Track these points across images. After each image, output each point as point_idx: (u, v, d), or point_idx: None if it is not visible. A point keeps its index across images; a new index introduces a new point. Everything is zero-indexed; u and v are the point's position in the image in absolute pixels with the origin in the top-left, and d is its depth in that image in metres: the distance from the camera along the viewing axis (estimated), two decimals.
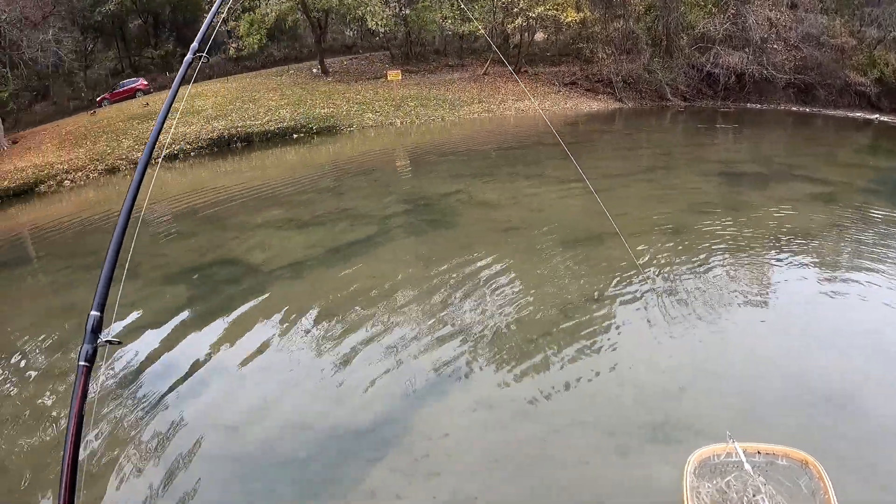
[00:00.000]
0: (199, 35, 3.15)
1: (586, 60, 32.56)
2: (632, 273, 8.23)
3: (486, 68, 33.24)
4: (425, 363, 6.47)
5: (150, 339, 7.67)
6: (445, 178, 15.38)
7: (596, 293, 7.77)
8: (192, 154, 24.37)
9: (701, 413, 5.38)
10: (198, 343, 7.45)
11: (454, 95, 29.78)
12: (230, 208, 14.32)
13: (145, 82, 34.56)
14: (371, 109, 28.03)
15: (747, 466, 3.09)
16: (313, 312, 7.91)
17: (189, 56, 3.08)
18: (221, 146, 25.18)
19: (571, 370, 6.17)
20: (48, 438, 5.84)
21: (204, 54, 3.06)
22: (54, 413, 6.28)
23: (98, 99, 33.17)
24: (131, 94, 33.67)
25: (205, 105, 28.77)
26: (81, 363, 2.17)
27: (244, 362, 6.85)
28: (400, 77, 29.71)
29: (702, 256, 8.83)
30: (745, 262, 8.68)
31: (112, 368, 6.96)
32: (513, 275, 8.57)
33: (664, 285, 7.88)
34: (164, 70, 37.48)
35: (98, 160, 23.54)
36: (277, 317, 7.91)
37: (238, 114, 27.43)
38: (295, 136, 25.92)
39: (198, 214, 14.12)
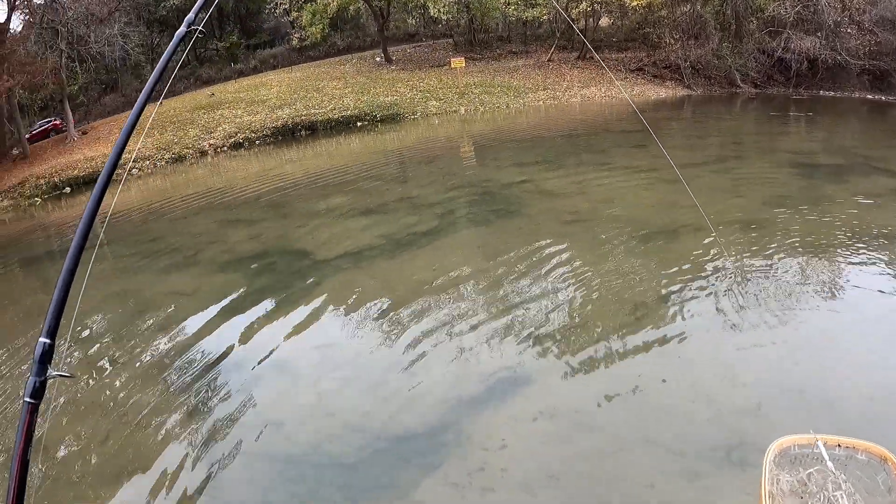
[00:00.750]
0: (195, 7, 2.76)
1: (653, 46, 31.39)
2: (709, 271, 7.59)
3: (551, 55, 32.46)
4: (486, 365, 6.06)
5: (202, 331, 7.54)
6: (510, 166, 14.91)
7: (668, 292, 7.19)
8: (256, 142, 24.55)
9: (780, 435, 4.84)
10: (250, 335, 7.29)
11: (518, 82, 29.16)
12: (294, 195, 14.26)
13: (57, 122, 32.30)
14: (435, 97, 27.69)
15: (827, 459, 3.01)
16: (372, 306, 7.64)
17: (182, 29, 2.64)
18: (286, 134, 25.31)
19: (640, 379, 5.67)
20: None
21: (200, 27, 2.61)
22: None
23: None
24: (46, 133, 31.74)
25: (269, 94, 29.01)
26: (27, 399, 1.80)
27: (298, 357, 6.65)
28: (464, 64, 29.20)
29: (782, 255, 8.11)
30: (828, 262, 7.94)
31: (158, 353, 6.85)
32: (580, 270, 8.05)
33: (743, 287, 7.22)
34: (228, 61, 37.94)
35: (164, 149, 24.05)
36: (335, 310, 7.70)
37: (302, 102, 27.52)
38: (359, 123, 25.83)
39: (261, 201, 14.10)
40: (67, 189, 21.83)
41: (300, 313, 7.71)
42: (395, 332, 6.93)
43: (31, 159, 25.86)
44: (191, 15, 2.62)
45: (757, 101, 27.20)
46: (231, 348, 7.00)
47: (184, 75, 36.48)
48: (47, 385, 1.84)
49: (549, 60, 32.13)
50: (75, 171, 22.94)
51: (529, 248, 8.89)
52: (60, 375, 1.90)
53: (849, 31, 28.99)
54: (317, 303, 7.95)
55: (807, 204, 10.29)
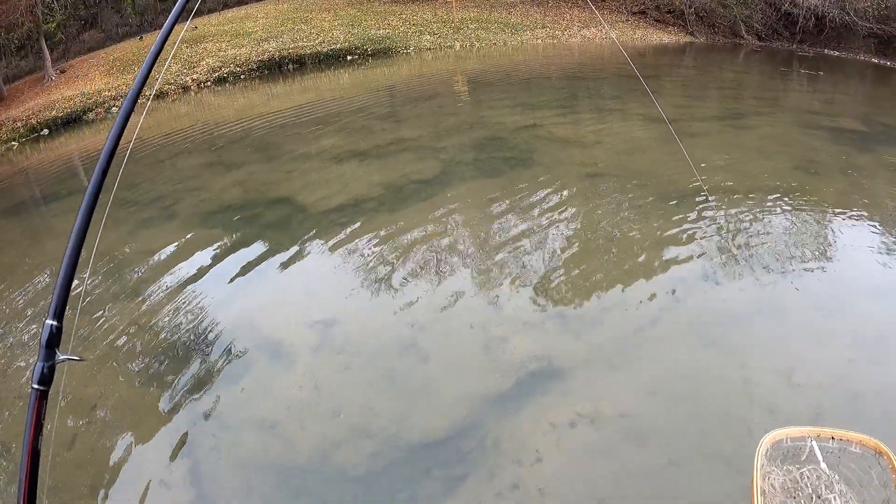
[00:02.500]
0: None
1: None
2: (762, 253, 6.67)
3: None
4: (514, 353, 5.15)
5: (179, 301, 6.53)
6: (515, 108, 13.70)
7: (718, 274, 6.30)
8: (241, 77, 23.10)
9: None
10: (235, 307, 6.30)
11: (516, 19, 27.56)
12: (281, 135, 13.06)
13: None
14: (429, 31, 26.10)
15: (821, 461, 2.87)
16: (376, 273, 6.64)
17: (179, 6, 2.37)
18: (272, 68, 23.83)
19: (693, 380, 4.80)
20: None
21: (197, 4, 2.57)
22: None
23: None
24: None
25: (254, 27, 27.31)
26: (35, 386, 1.66)
27: (292, 337, 5.66)
28: None
29: (834, 234, 7.21)
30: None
31: (125, 335, 5.87)
32: (612, 239, 7.02)
33: (799, 275, 6.33)
34: None
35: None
36: (333, 277, 6.68)
37: (290, 35, 25.86)
38: (349, 57, 24.31)
39: (246, 141, 12.90)
40: (45, 131, 20.44)
41: (292, 280, 6.74)
42: (403, 306, 5.98)
43: (7, 101, 24.18)
44: None
45: (761, 54, 26.01)
46: (213, 325, 6.00)
47: (165, 8, 34.22)
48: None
49: None
50: (53, 112, 21.55)
51: (551, 204, 7.87)
52: (70, 359, 1.76)
53: None
54: (310, 267, 6.96)
55: (842, 174, 9.36)
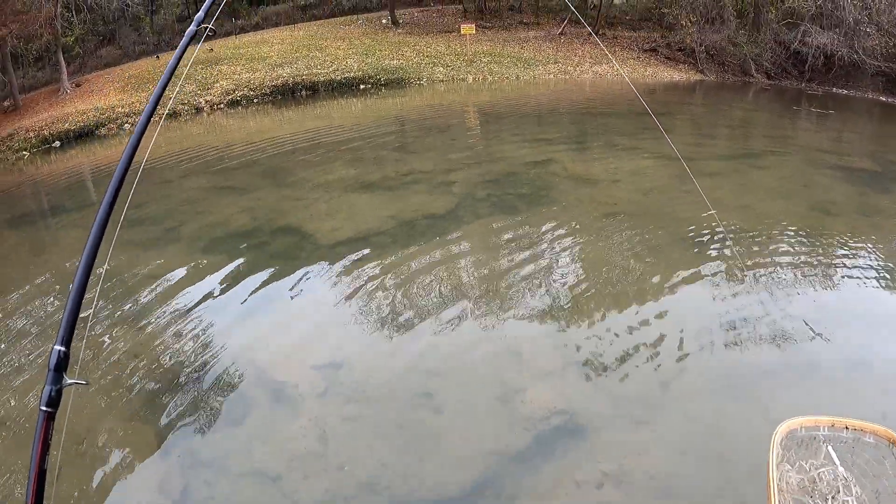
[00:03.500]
0: (205, 5, 2.65)
1: (668, 27, 29.78)
2: (790, 302, 6.31)
3: (563, 28, 30.77)
4: (534, 404, 4.76)
5: (177, 331, 6.18)
6: (530, 143, 13.43)
7: (744, 323, 5.90)
8: (254, 100, 23.01)
9: None
10: (236, 343, 5.92)
11: (529, 54, 27.50)
12: (291, 161, 12.80)
13: None
14: (442, 63, 26.04)
15: (837, 464, 2.81)
16: (385, 313, 6.25)
17: (192, 27, 2.53)
18: (286, 93, 23.76)
19: (724, 438, 4.42)
20: None
21: (210, 27, 2.54)
22: None
23: None
24: None
25: (270, 52, 27.30)
26: (43, 408, 1.70)
27: (296, 380, 5.27)
28: (474, 31, 27.43)
29: (864, 280, 6.83)
30: None
31: (121, 366, 5.51)
32: (633, 284, 6.64)
33: (829, 324, 5.91)
34: (230, 17, 35.82)
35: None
36: (340, 315, 6.30)
37: (304, 62, 25.83)
38: (362, 86, 24.23)
39: (255, 167, 12.64)
40: (57, 143, 20.34)
41: (298, 317, 6.36)
42: (416, 351, 5.59)
43: (22, 111, 24.10)
44: (200, 13, 2.56)
45: (771, 92, 25.88)
46: (213, 360, 5.61)
47: (182, 28, 34.37)
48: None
49: (560, 34, 30.45)
50: (66, 125, 21.44)
51: (569, 245, 7.54)
52: (76, 383, 1.81)
53: (867, 30, 27.68)
54: (318, 303, 6.57)
55: (860, 216, 9.03)
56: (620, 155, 12.07)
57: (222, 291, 7.01)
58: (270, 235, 8.52)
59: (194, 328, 6.21)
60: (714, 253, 7.28)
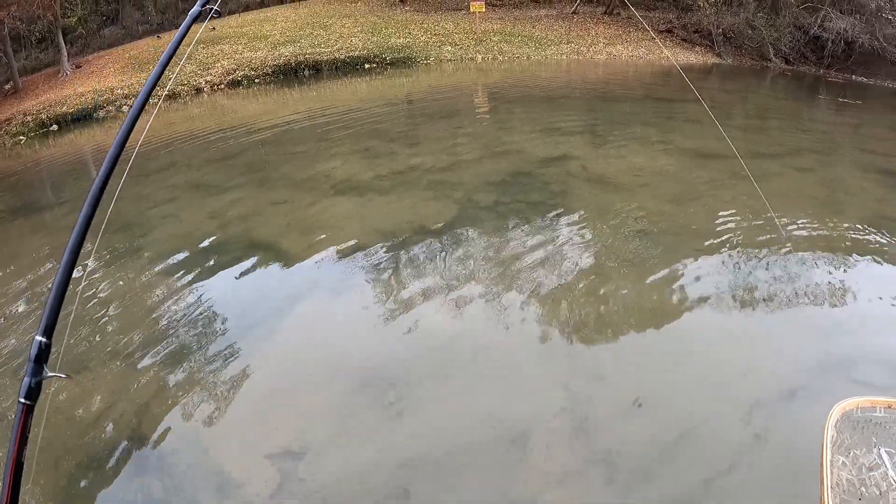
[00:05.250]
0: None
1: (684, 8, 27.78)
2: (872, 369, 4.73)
3: (576, 7, 28.75)
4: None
5: (107, 383, 4.68)
6: (542, 133, 11.71)
7: (811, 398, 4.35)
8: (256, 81, 21.39)
9: None
10: (173, 416, 4.42)
11: (541, 33, 25.57)
12: (279, 153, 11.23)
13: None
14: (450, 42, 24.20)
15: (889, 469, 2.50)
16: (361, 385, 4.68)
17: (196, 7, 2.24)
18: (288, 73, 22.13)
19: None
20: None
21: (216, 7, 2.23)
22: None
23: None
24: None
25: (273, 30, 25.55)
26: (21, 400, 1.60)
27: (245, 474, 3.81)
28: (483, 9, 25.45)
29: None
30: None
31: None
32: (672, 344, 5.01)
33: None
34: None
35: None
36: (301, 387, 4.75)
37: (307, 40, 24.08)
38: (367, 66, 22.49)
39: (240, 158, 11.05)
40: (54, 126, 19.06)
41: (251, 376, 4.83)
42: (396, 438, 4.08)
43: (22, 94, 22.79)
44: None
45: (790, 78, 23.99)
46: (141, 439, 4.14)
47: (187, 7, 32.49)
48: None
49: (573, 13, 28.45)
50: (64, 108, 20.16)
51: (592, 284, 5.87)
52: (56, 376, 1.71)
53: (889, 17, 25.76)
54: (276, 365, 5.00)
55: None
56: (645, 149, 10.37)
57: (163, 334, 5.49)
58: (237, 252, 6.94)
59: (121, 384, 4.71)
60: (774, 291, 5.66)
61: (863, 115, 17.25)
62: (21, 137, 18.37)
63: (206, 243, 7.28)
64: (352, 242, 6.88)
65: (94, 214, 1.82)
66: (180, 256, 7.06)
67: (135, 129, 2.01)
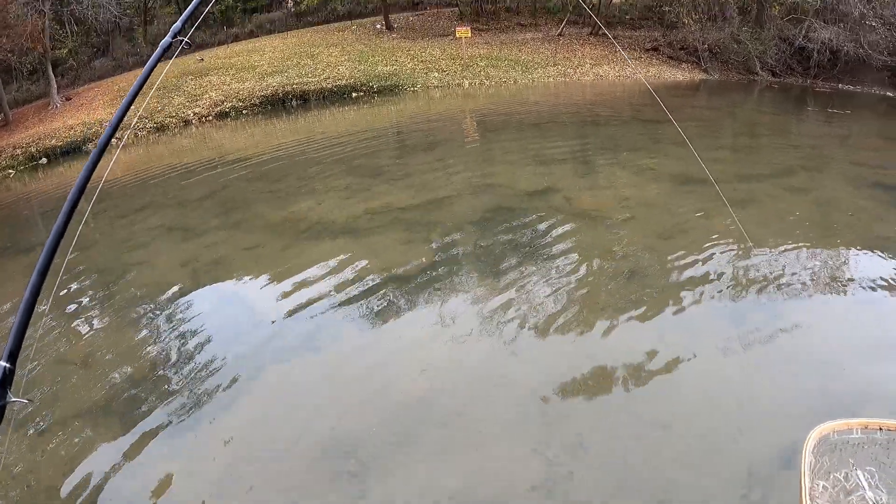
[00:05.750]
0: (182, 16, 2.38)
1: (669, 26, 27.62)
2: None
3: (562, 29, 28.61)
4: None
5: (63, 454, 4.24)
6: (527, 162, 11.30)
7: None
8: (244, 112, 21.15)
9: None
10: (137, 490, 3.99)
11: (527, 57, 25.38)
12: (255, 191, 10.90)
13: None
14: (437, 68, 24.00)
15: (867, 489, 2.57)
16: (327, 462, 4.26)
17: (167, 39, 2.23)
18: (276, 104, 21.93)
19: None
20: None
21: (186, 39, 2.24)
22: None
23: None
24: None
25: (261, 60, 25.37)
26: None
27: None
28: (469, 34, 25.25)
29: None
30: None
31: None
32: (670, 405, 4.51)
33: None
34: (223, 25, 33.77)
35: (147, 118, 20.80)
36: (260, 446, 4.34)
37: (295, 70, 23.91)
38: (354, 94, 22.27)
39: (217, 196, 10.69)
40: (44, 160, 18.90)
41: (198, 450, 4.39)
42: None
43: (11, 126, 22.56)
44: (178, 24, 2.31)
45: (777, 91, 23.75)
46: None
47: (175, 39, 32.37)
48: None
49: (559, 35, 28.30)
50: (53, 141, 20.00)
51: (580, 336, 5.37)
52: (18, 401, 1.65)
53: (873, 24, 25.62)
54: (227, 424, 4.60)
55: None
56: (631, 177, 9.98)
57: (117, 396, 5.06)
58: (197, 306, 6.52)
59: (70, 461, 4.28)
60: (769, 336, 5.24)
61: (851, 125, 16.93)
62: (10, 171, 18.18)
63: (174, 292, 6.87)
64: (321, 292, 6.44)
65: (53, 257, 1.85)
66: (149, 301, 6.68)
67: (103, 166, 2.03)
